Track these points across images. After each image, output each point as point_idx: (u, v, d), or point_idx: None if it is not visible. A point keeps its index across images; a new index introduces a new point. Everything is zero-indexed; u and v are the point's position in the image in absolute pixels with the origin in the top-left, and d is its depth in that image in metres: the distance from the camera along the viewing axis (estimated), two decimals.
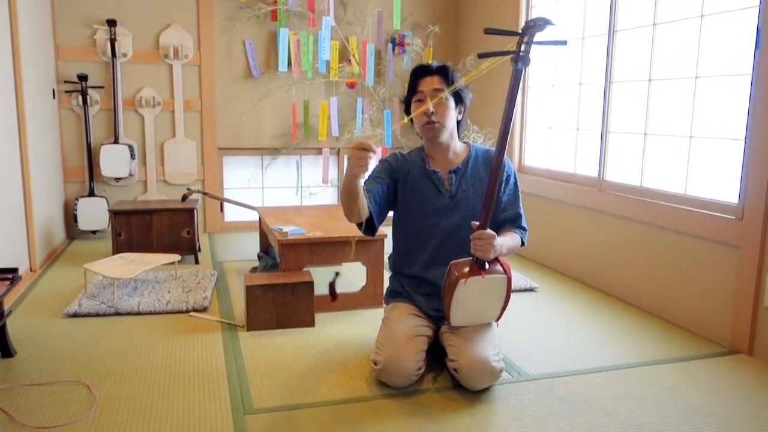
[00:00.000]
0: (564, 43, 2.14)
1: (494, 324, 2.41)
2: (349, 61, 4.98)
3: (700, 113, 2.97)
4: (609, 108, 3.55)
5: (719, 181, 2.87)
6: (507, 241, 2.27)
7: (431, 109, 2.28)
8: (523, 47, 2.00)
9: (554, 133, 4.19)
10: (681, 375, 2.43)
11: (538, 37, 2.03)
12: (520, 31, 2.01)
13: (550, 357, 2.59)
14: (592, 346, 2.73)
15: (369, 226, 2.37)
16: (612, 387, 2.31)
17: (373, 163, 2.05)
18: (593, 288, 3.63)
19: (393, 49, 5.10)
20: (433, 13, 5.29)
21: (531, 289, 3.56)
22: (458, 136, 2.48)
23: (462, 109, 2.41)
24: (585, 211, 3.71)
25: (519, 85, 2.05)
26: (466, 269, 2.14)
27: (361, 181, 2.15)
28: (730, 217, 2.72)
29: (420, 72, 2.35)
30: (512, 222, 2.39)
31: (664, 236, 3.09)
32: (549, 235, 4.08)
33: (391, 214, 2.51)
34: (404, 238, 2.48)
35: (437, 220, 2.39)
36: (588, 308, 3.26)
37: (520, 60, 2.01)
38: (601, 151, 3.61)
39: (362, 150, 1.99)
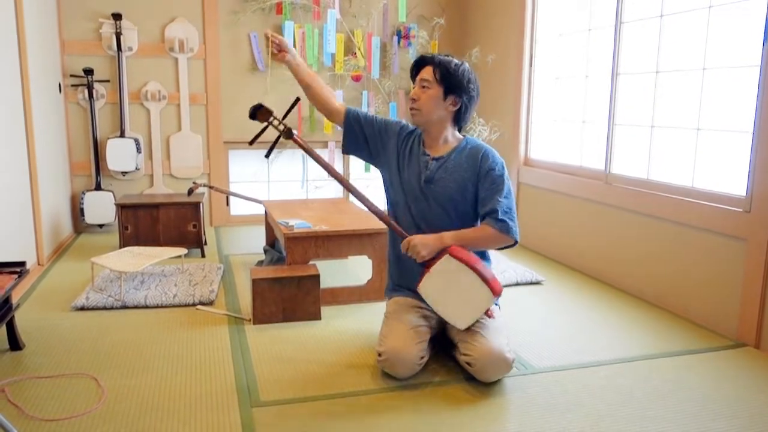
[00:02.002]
0: (297, 100, 2.43)
1: (500, 313, 2.43)
2: (355, 54, 4.97)
3: (708, 105, 2.95)
4: (615, 100, 3.53)
5: (727, 173, 2.86)
6: (462, 232, 2.30)
7: (414, 97, 2.39)
8: (279, 126, 2.40)
9: (560, 125, 4.17)
10: (687, 368, 2.43)
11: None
12: (263, 124, 2.41)
13: (556, 350, 2.59)
14: (598, 338, 2.73)
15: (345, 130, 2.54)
16: (618, 380, 2.31)
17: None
18: (599, 281, 3.62)
19: (398, 42, 5.08)
20: (438, 6, 5.27)
21: (537, 283, 3.56)
22: (459, 129, 2.47)
23: (457, 102, 2.36)
24: (591, 204, 3.70)
25: (304, 145, 2.45)
26: (419, 279, 2.29)
27: (297, 67, 2.44)
28: (737, 209, 2.71)
29: (416, 64, 2.43)
30: (489, 215, 2.30)
31: (670, 229, 3.08)
32: (555, 229, 4.07)
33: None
34: (393, 217, 2.54)
35: (414, 203, 2.43)
36: (594, 301, 3.25)
37: (284, 134, 2.41)
38: (607, 143, 3.59)
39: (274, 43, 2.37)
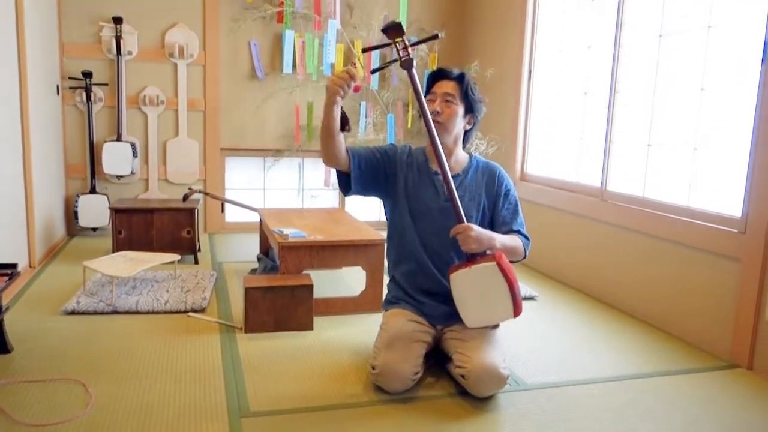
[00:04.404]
0: (437, 36, 2.28)
1: (497, 330, 2.42)
2: (354, 64, 4.98)
3: (705, 125, 2.96)
4: (613, 117, 3.55)
5: (722, 193, 2.86)
6: (504, 238, 2.32)
7: (437, 109, 2.34)
8: (401, 52, 2.17)
9: (557, 141, 4.18)
10: (680, 387, 2.42)
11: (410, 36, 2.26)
12: (389, 40, 2.18)
13: (549, 366, 2.58)
14: (591, 356, 2.72)
15: (343, 180, 2.41)
16: (611, 398, 2.30)
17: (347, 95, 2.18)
18: (593, 298, 3.61)
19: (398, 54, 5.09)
20: (438, 19, 5.29)
21: (531, 298, 3.55)
22: (464, 146, 2.51)
23: (472, 120, 2.44)
24: (587, 221, 3.70)
25: (417, 85, 2.21)
26: (457, 266, 2.24)
27: (337, 112, 2.19)
28: (732, 230, 2.71)
29: (437, 75, 2.42)
30: (515, 231, 2.43)
31: (665, 248, 3.08)
32: (550, 244, 4.07)
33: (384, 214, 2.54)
34: (399, 239, 2.49)
35: (430, 222, 2.40)
36: (587, 318, 3.25)
37: (403, 63, 2.18)
38: (604, 160, 3.60)
39: (345, 74, 2.11)
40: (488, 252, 2.23)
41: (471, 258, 2.22)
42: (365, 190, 2.45)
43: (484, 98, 2.48)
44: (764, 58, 2.56)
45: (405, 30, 2.14)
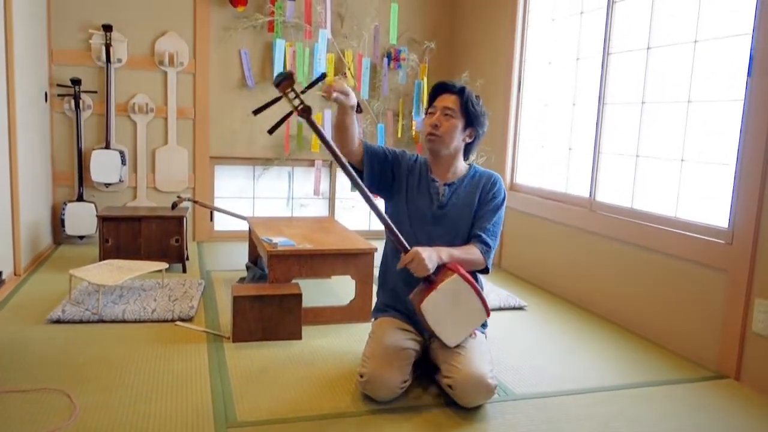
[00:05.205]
0: (324, 76, 2.27)
1: (485, 339, 2.42)
2: (345, 74, 4.99)
3: (692, 137, 2.99)
4: (602, 129, 3.57)
5: (709, 205, 2.89)
6: (453, 251, 2.30)
7: (436, 123, 2.36)
8: (295, 101, 2.14)
9: (546, 151, 4.20)
10: (668, 398, 2.43)
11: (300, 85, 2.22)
12: (279, 94, 2.14)
13: (537, 376, 2.58)
14: (579, 366, 2.72)
15: (354, 169, 2.41)
16: (599, 408, 2.30)
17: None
18: (582, 308, 3.62)
19: (388, 64, 5.12)
20: (428, 29, 5.32)
21: (520, 308, 3.55)
22: (466, 158, 2.52)
23: (473, 133, 2.44)
24: (575, 231, 3.71)
25: (319, 129, 2.19)
26: (420, 294, 2.21)
27: (347, 115, 2.24)
28: (719, 241, 2.73)
29: (438, 88, 2.43)
30: (477, 237, 2.38)
31: (653, 258, 3.09)
32: (539, 254, 4.08)
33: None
34: (393, 245, 2.49)
35: (424, 227, 2.41)
36: (576, 328, 3.25)
37: (300, 112, 2.15)
38: (592, 171, 3.62)
39: (336, 85, 2.14)
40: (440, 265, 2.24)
41: (430, 281, 2.20)
42: (377, 190, 2.46)
43: (488, 112, 2.49)
44: (750, 71, 2.59)
45: (294, 79, 2.12)
